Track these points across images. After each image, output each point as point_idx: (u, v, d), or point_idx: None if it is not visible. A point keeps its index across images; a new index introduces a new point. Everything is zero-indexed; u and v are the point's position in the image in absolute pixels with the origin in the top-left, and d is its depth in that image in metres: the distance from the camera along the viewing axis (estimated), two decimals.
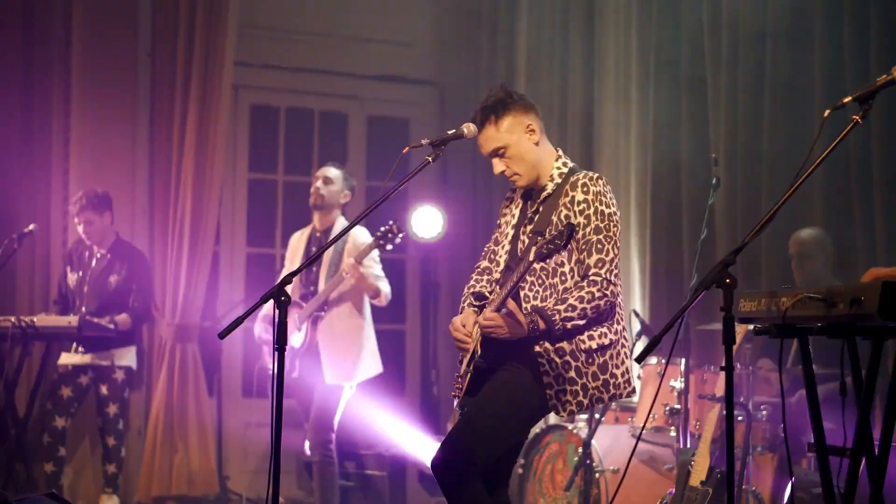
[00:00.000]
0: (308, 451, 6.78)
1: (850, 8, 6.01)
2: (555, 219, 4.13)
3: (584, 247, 4.09)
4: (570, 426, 6.50)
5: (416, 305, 9.47)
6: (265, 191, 9.14)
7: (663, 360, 6.17)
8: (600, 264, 4.06)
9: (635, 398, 6.43)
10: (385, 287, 6.61)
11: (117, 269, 7.35)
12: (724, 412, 5.29)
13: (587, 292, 4.03)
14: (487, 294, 4.31)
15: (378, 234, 6.42)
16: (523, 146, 4.23)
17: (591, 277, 4.05)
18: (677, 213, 7.17)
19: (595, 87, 7.97)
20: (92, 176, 7.86)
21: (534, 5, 8.56)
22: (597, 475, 6.23)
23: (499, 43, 8.94)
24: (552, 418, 6.72)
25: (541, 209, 4.22)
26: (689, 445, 5.85)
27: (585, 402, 4.11)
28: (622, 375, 4.18)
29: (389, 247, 6.45)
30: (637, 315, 6.67)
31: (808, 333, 3.60)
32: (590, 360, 4.11)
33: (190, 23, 8.07)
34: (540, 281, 4.14)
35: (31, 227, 7.28)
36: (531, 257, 3.92)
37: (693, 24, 7.08)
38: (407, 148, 4.17)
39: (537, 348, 4.08)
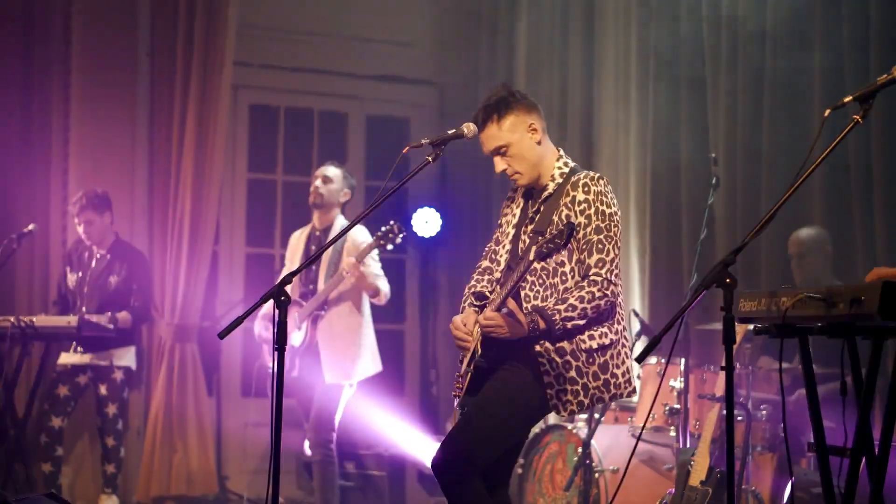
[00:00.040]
0: (308, 451, 6.78)
1: (850, 8, 6.01)
2: (556, 218, 4.13)
3: (584, 247, 4.10)
4: (569, 426, 6.50)
5: (416, 305, 9.47)
6: (264, 191, 9.14)
7: (663, 360, 6.17)
8: (601, 264, 4.07)
9: (635, 398, 6.43)
10: (384, 286, 6.62)
11: (117, 270, 7.35)
12: (724, 412, 5.31)
13: (587, 292, 4.03)
14: (488, 294, 4.31)
15: (379, 233, 6.43)
16: (525, 145, 4.23)
17: (592, 277, 4.05)
18: (677, 213, 7.17)
19: (594, 86, 7.97)
20: (91, 176, 7.86)
21: (533, 5, 8.56)
22: (596, 475, 6.23)
23: (498, 43, 8.95)
24: (552, 418, 6.72)
25: (542, 209, 4.22)
26: (688, 445, 5.85)
27: (586, 401, 4.11)
28: (623, 375, 4.18)
29: (390, 246, 6.45)
30: (637, 315, 6.67)
31: (809, 333, 3.60)
32: (590, 360, 4.11)
33: (189, 23, 8.07)
34: (541, 280, 4.14)
35: (30, 226, 7.27)
36: (531, 257, 3.93)
37: (693, 24, 7.08)
38: (407, 148, 4.17)
39: (538, 348, 4.08)
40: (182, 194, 8.02)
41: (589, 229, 4.09)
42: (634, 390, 4.26)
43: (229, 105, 8.25)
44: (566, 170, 4.26)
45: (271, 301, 3.78)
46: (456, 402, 4.30)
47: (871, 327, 3.43)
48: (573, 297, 4.02)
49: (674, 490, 5.60)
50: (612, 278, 4.08)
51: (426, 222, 9.00)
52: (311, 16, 9.11)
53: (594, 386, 4.12)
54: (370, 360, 6.69)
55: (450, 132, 4.24)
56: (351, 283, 6.53)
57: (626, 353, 4.22)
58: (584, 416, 6.38)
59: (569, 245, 4.06)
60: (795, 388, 5.62)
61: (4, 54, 7.95)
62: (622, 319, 4.22)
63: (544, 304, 4.08)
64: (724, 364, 3.33)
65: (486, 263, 4.42)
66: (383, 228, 6.42)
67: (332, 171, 6.75)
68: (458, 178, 9.24)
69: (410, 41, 9.45)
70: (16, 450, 7.07)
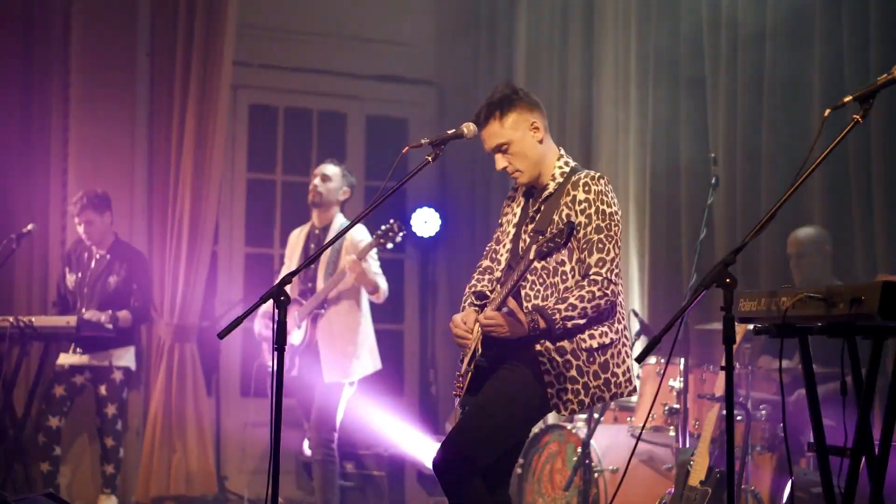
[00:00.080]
0: (307, 451, 6.78)
1: (850, 7, 6.01)
2: (556, 218, 4.13)
3: (584, 246, 4.10)
4: (568, 426, 6.50)
5: (415, 305, 9.47)
6: (264, 190, 9.14)
7: (662, 360, 6.17)
8: (601, 263, 4.07)
9: (634, 398, 6.43)
10: (383, 283, 6.61)
11: (116, 270, 7.35)
12: (723, 412, 5.31)
13: (588, 291, 4.03)
14: (488, 293, 4.31)
15: (379, 231, 6.43)
16: (526, 143, 4.24)
17: (592, 277, 4.05)
18: (676, 213, 7.17)
19: (594, 86, 7.97)
20: (91, 176, 7.86)
21: (533, 5, 8.56)
22: (596, 475, 6.23)
23: (498, 43, 8.95)
24: (551, 418, 6.72)
25: (542, 208, 4.23)
26: (688, 445, 5.85)
27: (587, 400, 4.12)
28: (623, 374, 4.18)
29: (390, 245, 6.45)
30: (636, 315, 6.68)
31: (809, 333, 3.60)
32: (591, 359, 4.12)
33: (189, 23, 8.07)
34: (541, 280, 4.14)
35: (29, 226, 7.27)
36: (531, 256, 3.94)
37: (692, 24, 7.08)
38: (406, 148, 4.18)
39: (538, 347, 4.08)
40: (181, 194, 8.02)
41: (589, 228, 4.10)
42: (635, 389, 4.26)
43: (229, 105, 8.25)
44: (567, 169, 4.27)
45: (271, 300, 3.78)
46: (456, 401, 4.30)
47: (871, 327, 3.42)
48: (573, 296, 4.03)
49: (673, 490, 5.60)
50: (613, 277, 4.08)
51: (425, 222, 9.01)
52: (310, 16, 9.11)
53: (595, 385, 4.12)
54: (369, 359, 6.69)
55: (449, 132, 4.25)
56: (351, 282, 6.53)
57: (626, 352, 4.22)
58: (584, 415, 6.38)
59: (569, 244, 4.07)
60: (795, 388, 5.62)
61: (4, 54, 7.95)
62: (622, 319, 4.23)
63: (544, 303, 4.08)
64: (723, 364, 3.33)
65: (486, 263, 4.42)
66: (383, 227, 6.42)
67: (331, 169, 6.74)
68: (458, 178, 9.24)
69: (410, 41, 9.45)
70: (15, 450, 7.08)
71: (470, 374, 4.20)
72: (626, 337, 4.24)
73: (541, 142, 4.27)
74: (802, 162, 3.36)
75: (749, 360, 5.88)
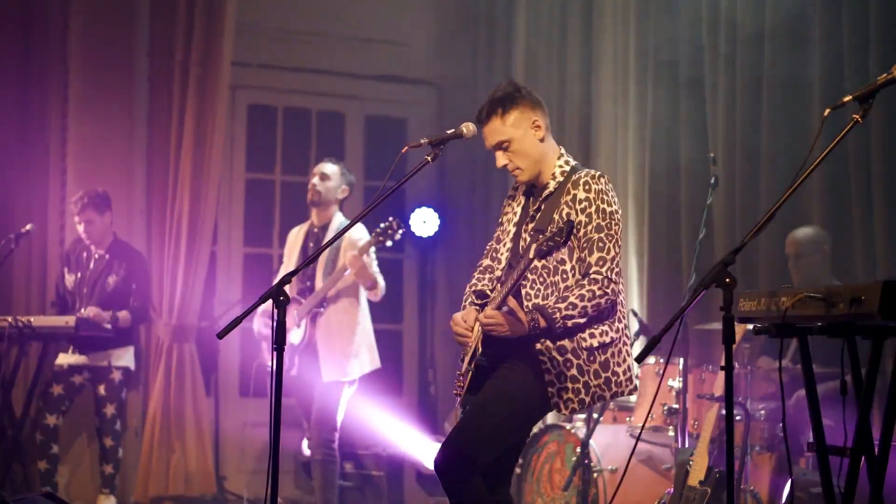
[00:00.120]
0: (306, 451, 6.77)
1: (849, 7, 6.01)
2: (556, 217, 4.13)
3: (585, 245, 4.10)
4: (568, 426, 6.49)
5: (414, 305, 9.46)
6: (262, 190, 9.14)
7: (661, 360, 6.17)
8: (601, 262, 4.07)
9: (633, 397, 6.44)
10: (381, 281, 6.61)
11: (116, 269, 7.34)
12: (723, 412, 5.31)
13: (588, 290, 4.03)
14: (489, 292, 4.31)
15: (378, 229, 6.42)
16: (527, 141, 4.24)
17: (592, 275, 4.06)
18: (676, 213, 7.18)
19: (593, 86, 7.97)
20: (89, 176, 7.85)
21: (531, 5, 8.56)
22: (595, 475, 6.23)
23: (497, 42, 8.95)
24: (550, 418, 6.72)
25: (542, 207, 4.23)
26: (687, 445, 5.85)
27: (587, 399, 4.11)
28: (624, 374, 4.18)
29: (389, 243, 6.45)
30: (635, 314, 6.68)
31: (808, 333, 3.60)
32: (591, 358, 4.12)
33: (188, 23, 8.06)
34: (541, 279, 4.14)
35: (28, 226, 7.27)
36: (531, 255, 3.94)
37: (691, 24, 7.08)
38: (406, 148, 4.18)
39: (538, 346, 4.08)
40: (180, 194, 8.02)
41: (590, 227, 4.10)
42: (636, 388, 4.26)
43: (227, 105, 8.24)
44: (567, 168, 4.27)
45: (270, 300, 3.78)
46: (457, 400, 4.30)
47: (871, 327, 3.42)
48: (574, 295, 4.03)
49: (672, 490, 5.60)
50: (613, 276, 4.08)
51: (424, 222, 9.01)
52: (309, 16, 9.11)
53: (595, 384, 4.12)
54: (368, 357, 6.68)
55: (449, 132, 4.25)
56: (351, 280, 6.52)
57: (627, 351, 4.22)
58: (583, 415, 6.38)
59: (569, 243, 4.07)
60: (793, 388, 5.61)
61: (3, 54, 7.95)
62: (623, 318, 4.23)
63: (545, 302, 4.08)
64: (723, 364, 3.33)
65: (487, 262, 4.43)
66: (382, 225, 6.42)
67: (330, 167, 6.74)
68: (457, 178, 9.24)
69: (409, 41, 9.45)
70: (13, 450, 7.07)
71: (470, 373, 4.20)
72: (626, 336, 4.24)
73: (542, 140, 4.27)
74: (802, 162, 3.36)
75: (748, 360, 5.88)
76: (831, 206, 6.17)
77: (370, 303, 6.72)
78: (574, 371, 4.09)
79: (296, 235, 6.91)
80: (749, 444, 5.58)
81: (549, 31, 8.39)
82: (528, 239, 4.18)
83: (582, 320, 4.06)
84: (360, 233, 6.59)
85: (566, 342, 4.08)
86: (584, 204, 4.12)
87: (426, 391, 9.22)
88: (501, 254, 4.35)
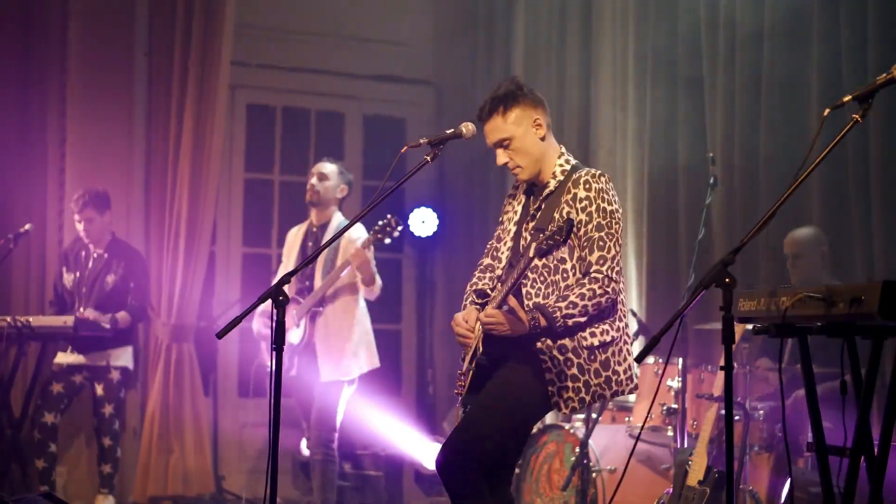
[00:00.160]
0: (305, 451, 6.76)
1: (848, 7, 6.01)
2: (556, 216, 4.14)
3: (585, 244, 4.10)
4: (566, 426, 6.49)
5: (413, 305, 9.46)
6: (261, 190, 9.14)
7: (660, 360, 6.17)
8: (602, 261, 4.07)
9: (632, 397, 6.44)
10: (378, 279, 6.60)
11: (114, 268, 7.34)
12: (722, 412, 5.31)
13: (588, 289, 4.04)
14: (489, 291, 4.32)
15: (376, 227, 6.42)
16: (528, 140, 4.25)
17: (593, 274, 4.06)
18: (674, 213, 7.17)
19: (592, 86, 7.97)
20: (88, 176, 7.85)
21: (530, 5, 8.56)
22: (594, 475, 6.23)
23: (496, 42, 8.95)
24: (549, 418, 6.72)
25: (543, 206, 4.23)
26: (686, 445, 5.85)
27: (587, 398, 4.12)
28: (624, 372, 4.18)
29: (388, 240, 6.45)
30: (634, 314, 6.68)
31: (808, 333, 3.60)
32: (592, 357, 4.12)
33: (187, 22, 8.06)
34: (542, 278, 4.14)
35: (26, 226, 7.28)
36: (531, 254, 3.94)
37: (690, 24, 7.08)
38: (405, 148, 4.18)
39: (539, 345, 4.08)
40: (179, 194, 8.01)
41: (590, 226, 4.10)
42: (636, 387, 4.26)
43: (226, 105, 8.24)
44: (568, 167, 4.28)
45: (270, 300, 3.78)
46: (458, 400, 4.30)
47: (870, 327, 3.42)
48: (574, 294, 4.03)
49: (671, 490, 5.60)
50: (613, 275, 4.08)
51: (423, 222, 9.02)
52: (308, 16, 9.11)
53: (595, 383, 4.12)
54: (366, 357, 6.67)
55: (448, 132, 4.25)
56: (348, 279, 6.51)
57: (627, 349, 4.22)
58: (582, 415, 6.38)
59: (570, 242, 4.07)
60: (792, 388, 5.61)
61: (2, 54, 7.95)
62: (624, 317, 4.23)
63: (545, 301, 4.08)
64: (722, 364, 3.33)
65: (487, 260, 4.43)
66: (380, 222, 6.42)
67: (328, 167, 6.73)
68: (455, 178, 9.24)
69: (408, 41, 9.45)
70: (12, 450, 7.07)
71: (471, 372, 4.20)
72: (627, 335, 4.24)
73: (543, 139, 4.28)
74: (802, 162, 3.36)
75: (747, 360, 5.88)
76: (830, 206, 6.17)
77: (368, 302, 6.72)
78: (574, 370, 4.09)
79: (295, 235, 6.91)
80: (748, 444, 5.58)
81: (548, 32, 8.39)
82: (529, 238, 4.18)
83: (582, 319, 4.06)
84: (358, 232, 6.59)
85: (567, 341, 4.09)
86: (585, 203, 4.12)
87: (425, 391, 9.22)
88: (502, 252, 4.35)
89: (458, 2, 9.35)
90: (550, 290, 4.13)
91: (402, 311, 9.45)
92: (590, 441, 6.19)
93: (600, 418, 6.35)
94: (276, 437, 3.68)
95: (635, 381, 4.23)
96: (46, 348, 7.33)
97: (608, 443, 6.41)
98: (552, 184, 4.24)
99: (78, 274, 7.36)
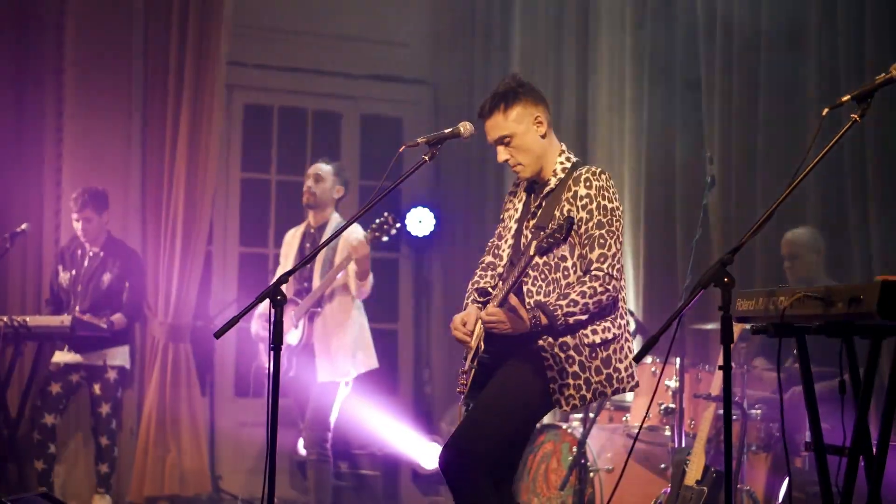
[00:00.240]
0: (302, 450, 6.76)
1: (845, 9, 6.01)
2: (557, 214, 4.14)
3: (586, 241, 4.10)
4: (564, 425, 6.49)
5: (409, 304, 9.46)
6: (258, 190, 9.13)
7: (658, 360, 6.17)
8: (602, 259, 4.07)
9: (629, 397, 6.44)
10: (371, 276, 6.60)
11: (110, 267, 7.33)
12: (719, 411, 5.31)
13: (589, 287, 4.04)
14: (491, 290, 4.32)
15: (374, 225, 6.42)
16: (529, 137, 4.25)
17: (594, 272, 4.06)
18: (671, 214, 7.17)
19: (589, 87, 7.97)
20: (85, 176, 7.83)
21: (528, 5, 8.56)
22: (591, 474, 6.23)
23: (493, 42, 8.95)
24: (547, 417, 6.71)
25: (543, 204, 4.23)
26: (684, 445, 5.85)
27: (588, 396, 4.12)
28: (626, 370, 4.18)
29: (385, 238, 6.45)
30: (631, 314, 6.67)
31: (807, 332, 3.59)
32: (593, 355, 4.12)
33: (183, 22, 8.05)
34: (543, 276, 4.15)
35: (23, 226, 7.27)
36: (532, 252, 3.93)
37: (688, 26, 7.08)
38: (403, 147, 4.18)
39: (540, 343, 4.09)
40: (176, 194, 8.00)
41: (591, 224, 4.10)
42: (637, 384, 4.26)
43: (223, 105, 8.23)
44: (568, 165, 4.28)
45: (267, 300, 3.77)
46: (460, 399, 4.30)
47: (869, 326, 3.42)
48: (575, 292, 4.03)
49: (669, 489, 5.60)
50: (614, 273, 4.08)
51: (420, 222, 9.02)
52: (305, 15, 9.10)
53: (596, 381, 4.12)
54: (363, 358, 6.68)
55: (447, 131, 4.25)
56: (345, 279, 6.51)
57: (628, 347, 4.22)
58: (579, 415, 6.38)
59: (570, 240, 4.07)
60: (789, 388, 5.62)
61: None
62: (625, 314, 4.23)
63: (546, 299, 4.08)
64: (720, 363, 3.32)
65: (488, 259, 4.43)
66: (378, 220, 6.43)
67: (324, 168, 6.73)
68: (452, 177, 9.24)
69: (405, 41, 9.44)
70: (9, 450, 7.06)
71: (473, 371, 4.20)
72: (628, 332, 4.25)
73: (544, 136, 4.28)
74: (800, 162, 3.36)
75: (744, 359, 5.88)
76: (827, 206, 6.17)
77: (365, 302, 6.72)
78: (576, 367, 4.09)
79: (292, 237, 6.90)
80: (745, 443, 5.58)
81: (545, 32, 8.38)
82: (530, 236, 4.18)
83: (583, 317, 4.06)
84: (357, 232, 6.59)
85: (568, 339, 4.09)
86: (585, 200, 4.12)
87: (421, 391, 9.22)
88: (503, 250, 4.35)
89: (455, 2, 9.34)
90: (551, 288, 4.13)
91: (399, 311, 9.45)
92: (587, 441, 6.19)
93: (598, 418, 6.35)
94: (273, 437, 3.67)
95: (636, 378, 4.23)
96: (43, 348, 7.32)
97: (605, 442, 6.41)
98: (553, 181, 4.24)
99: (73, 272, 7.35)
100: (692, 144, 6.99)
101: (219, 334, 3.84)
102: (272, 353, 3.72)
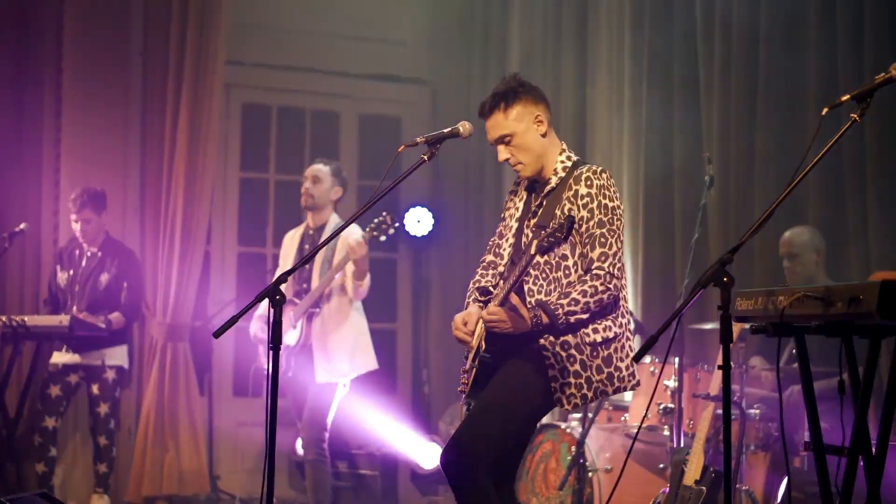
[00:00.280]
0: (301, 451, 6.75)
1: (844, 10, 6.01)
2: (558, 212, 4.13)
3: (587, 240, 4.10)
4: (563, 425, 6.49)
5: (408, 304, 9.46)
6: (257, 190, 9.13)
7: (657, 360, 6.16)
8: (603, 258, 4.07)
9: (628, 396, 6.44)
10: (368, 276, 6.59)
11: (108, 267, 7.33)
12: (718, 411, 5.30)
13: (590, 286, 4.03)
14: (492, 289, 4.31)
15: (372, 224, 6.42)
16: (530, 136, 4.24)
17: (594, 271, 4.06)
18: (670, 214, 7.17)
19: (588, 87, 7.97)
20: (83, 175, 7.83)
21: (526, 5, 8.56)
22: (590, 474, 6.22)
23: (491, 42, 8.95)
24: (545, 417, 6.71)
25: (544, 203, 4.23)
26: (682, 444, 5.85)
27: (589, 394, 4.11)
28: (627, 368, 4.18)
29: (383, 238, 6.44)
30: (630, 314, 6.66)
31: (806, 332, 3.59)
32: (594, 354, 4.12)
33: (182, 22, 8.05)
34: (544, 275, 4.14)
35: (21, 226, 7.27)
36: (533, 251, 3.93)
37: (686, 26, 7.08)
38: (402, 147, 4.17)
39: (542, 342, 4.08)
40: (174, 193, 8.00)
41: (591, 223, 4.10)
42: (639, 383, 4.26)
43: (222, 104, 8.24)
44: (569, 163, 4.28)
45: (266, 301, 3.77)
46: (462, 398, 4.29)
47: (869, 326, 3.42)
48: (576, 291, 4.03)
49: (668, 489, 5.60)
50: (615, 272, 4.08)
51: (418, 222, 9.01)
52: (303, 15, 9.09)
53: (598, 379, 4.12)
54: (362, 359, 6.67)
55: (446, 131, 4.25)
56: (343, 279, 6.50)
57: (629, 346, 4.22)
58: (578, 415, 6.38)
59: (571, 239, 4.07)
60: (787, 387, 5.62)
61: None
62: (626, 313, 4.23)
63: (547, 298, 4.08)
64: (720, 363, 3.32)
65: (489, 257, 4.43)
66: (376, 220, 6.42)
67: (322, 170, 6.71)
68: (451, 177, 9.24)
69: (403, 40, 9.44)
70: (7, 450, 7.05)
71: (474, 370, 4.20)
72: (629, 331, 4.24)
73: (544, 135, 4.28)
74: (800, 161, 3.36)
75: (743, 359, 5.88)
76: (826, 206, 6.17)
77: (364, 302, 6.71)
78: (577, 366, 4.09)
79: (291, 238, 6.90)
80: (744, 443, 5.58)
81: (543, 32, 8.38)
82: (530, 235, 4.17)
83: (584, 316, 4.06)
84: (355, 232, 6.58)
85: (569, 338, 4.09)
86: (586, 199, 4.12)
87: (420, 391, 9.22)
88: (504, 249, 4.35)
89: (454, 2, 9.34)
90: (552, 287, 4.12)
91: (398, 311, 9.45)
92: (586, 440, 6.18)
93: (596, 418, 6.35)
94: (272, 437, 3.67)
95: (637, 377, 4.23)
96: (41, 348, 7.32)
97: (604, 442, 6.41)
98: (553, 180, 4.24)
99: (71, 272, 7.35)
100: (691, 144, 6.98)
101: (218, 334, 3.84)
102: (271, 352, 3.72)
